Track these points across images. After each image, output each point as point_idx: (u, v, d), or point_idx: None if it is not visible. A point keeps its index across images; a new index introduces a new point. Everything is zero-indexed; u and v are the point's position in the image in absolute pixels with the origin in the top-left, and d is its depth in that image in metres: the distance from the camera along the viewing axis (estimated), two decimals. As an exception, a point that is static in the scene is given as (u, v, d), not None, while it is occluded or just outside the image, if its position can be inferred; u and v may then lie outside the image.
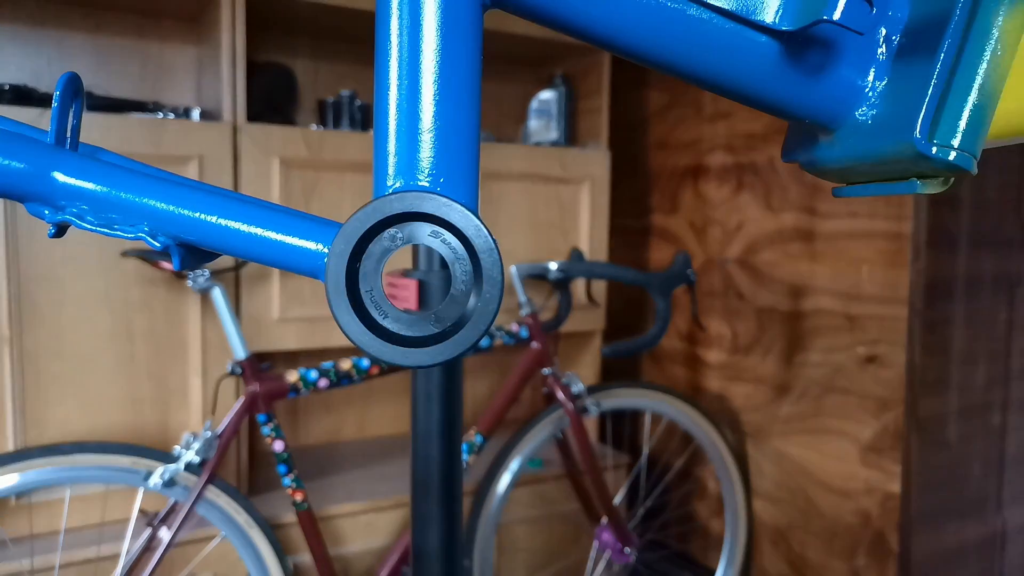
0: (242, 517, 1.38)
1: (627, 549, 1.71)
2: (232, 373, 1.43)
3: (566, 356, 2.15)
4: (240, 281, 1.58)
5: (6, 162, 0.31)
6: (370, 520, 1.64)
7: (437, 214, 0.30)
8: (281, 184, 1.60)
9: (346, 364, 1.45)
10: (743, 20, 0.33)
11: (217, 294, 1.42)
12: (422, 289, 0.77)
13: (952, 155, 0.31)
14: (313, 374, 1.42)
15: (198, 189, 0.32)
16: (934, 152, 0.31)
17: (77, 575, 1.39)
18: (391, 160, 0.32)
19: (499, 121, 2.25)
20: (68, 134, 0.33)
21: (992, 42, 0.30)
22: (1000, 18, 0.30)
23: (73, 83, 0.33)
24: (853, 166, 0.35)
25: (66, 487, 1.38)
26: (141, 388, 1.52)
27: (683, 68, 0.35)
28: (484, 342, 1.54)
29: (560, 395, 1.65)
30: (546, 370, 1.66)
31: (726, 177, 1.97)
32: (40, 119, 1.38)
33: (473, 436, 1.59)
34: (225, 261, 1.52)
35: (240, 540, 1.39)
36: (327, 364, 1.44)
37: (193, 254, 0.33)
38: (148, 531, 1.34)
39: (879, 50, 0.34)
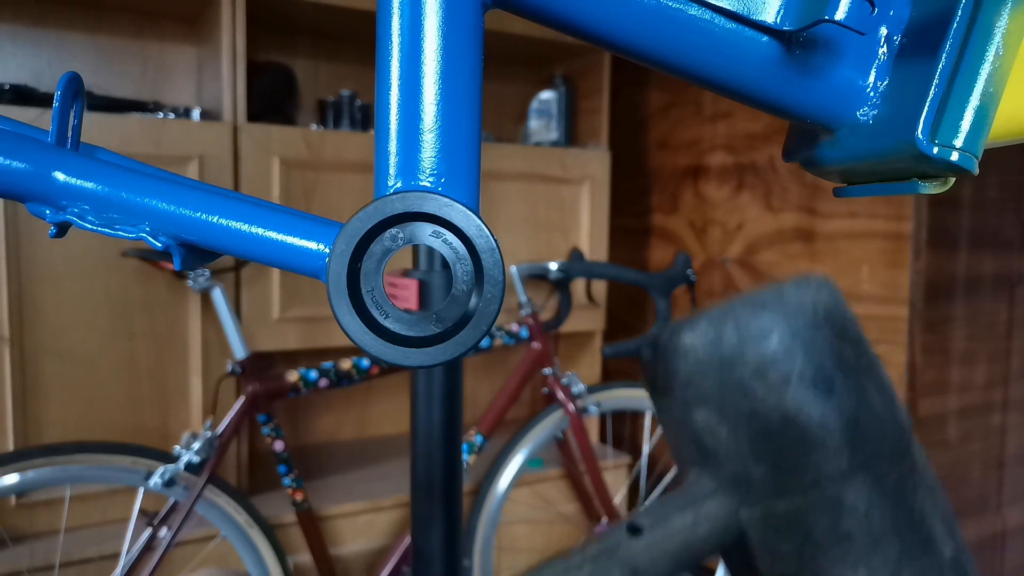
0: (242, 517, 1.38)
1: (627, 549, 1.71)
2: (232, 373, 1.43)
3: (566, 356, 2.15)
4: (240, 281, 1.58)
5: (7, 162, 0.31)
6: (370, 520, 1.64)
7: (439, 214, 0.30)
8: (281, 184, 1.60)
9: (346, 364, 1.45)
10: (744, 20, 0.33)
11: (217, 294, 1.42)
12: (423, 289, 0.77)
13: (954, 155, 0.31)
14: (313, 374, 1.42)
15: (199, 189, 0.32)
16: (936, 152, 0.31)
17: (77, 575, 1.39)
18: (392, 160, 0.31)
19: (499, 121, 2.25)
20: (69, 134, 0.33)
21: (994, 42, 0.30)
22: (1002, 18, 0.30)
23: (74, 83, 0.33)
24: (854, 166, 0.35)
25: (66, 487, 1.38)
26: (141, 388, 1.52)
27: (683, 68, 0.35)
28: (484, 342, 1.54)
29: (560, 395, 1.65)
30: (546, 370, 1.66)
31: (726, 177, 1.97)
32: (40, 119, 1.38)
33: (473, 436, 1.59)
34: (225, 261, 1.52)
35: (240, 540, 1.39)
36: (327, 364, 1.44)
37: (194, 254, 0.33)
38: (148, 531, 1.34)
39: (880, 50, 0.34)
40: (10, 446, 1.40)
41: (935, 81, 0.31)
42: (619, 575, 0.28)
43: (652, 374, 0.32)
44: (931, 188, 0.34)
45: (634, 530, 0.29)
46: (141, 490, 1.33)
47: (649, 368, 0.33)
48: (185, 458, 1.32)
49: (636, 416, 2.14)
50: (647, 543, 0.28)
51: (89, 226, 0.32)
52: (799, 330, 0.29)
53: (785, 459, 0.28)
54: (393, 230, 0.30)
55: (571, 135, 2.10)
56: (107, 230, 0.32)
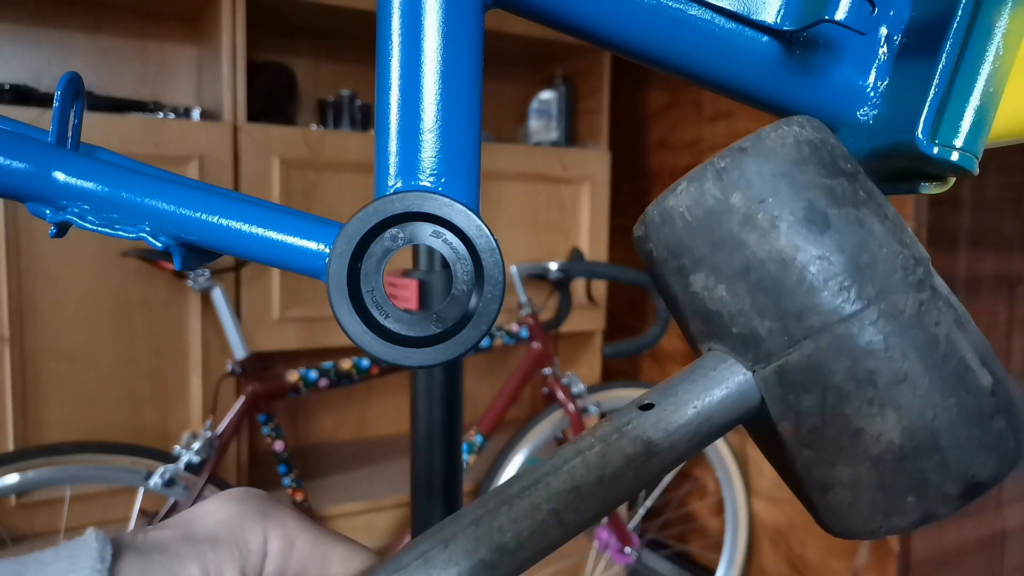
0: (242, 517, 1.38)
1: (627, 549, 1.71)
2: (232, 373, 1.43)
3: (566, 356, 2.15)
4: (240, 281, 1.58)
5: (7, 162, 0.31)
6: (370, 520, 1.64)
7: (439, 214, 0.30)
8: (281, 184, 1.60)
9: (346, 364, 1.45)
10: (744, 20, 0.33)
11: (217, 294, 1.42)
12: (423, 289, 0.77)
13: (954, 155, 0.31)
14: (313, 374, 1.42)
15: (199, 189, 0.32)
16: (936, 152, 0.31)
17: (77, 575, 1.39)
18: (392, 160, 0.31)
19: (499, 121, 2.25)
20: (69, 134, 0.33)
21: (994, 42, 0.30)
22: (1002, 18, 0.30)
23: (74, 83, 0.33)
24: (854, 166, 0.35)
25: (66, 487, 1.38)
26: (141, 388, 1.52)
27: (684, 68, 0.35)
28: (484, 342, 1.54)
29: (560, 395, 1.65)
30: (546, 370, 1.66)
31: (726, 177, 1.96)
32: (41, 119, 1.38)
33: (473, 436, 1.59)
34: (225, 261, 1.52)
35: (240, 540, 1.39)
36: (327, 364, 1.44)
37: (194, 254, 0.33)
38: (148, 531, 1.34)
39: (880, 50, 0.34)
40: (10, 446, 1.40)
41: (935, 81, 0.31)
42: (632, 450, 0.27)
43: (646, 252, 0.31)
44: (932, 188, 0.34)
45: (644, 407, 0.27)
46: (141, 490, 1.33)
47: (642, 247, 0.31)
48: (185, 458, 1.32)
49: (636, 416, 2.14)
50: (658, 416, 0.27)
51: (89, 226, 0.32)
52: (783, 168, 0.27)
53: (789, 307, 0.26)
54: (393, 230, 0.30)
55: (571, 135, 2.10)
56: (107, 230, 0.32)
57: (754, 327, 0.27)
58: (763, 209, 0.27)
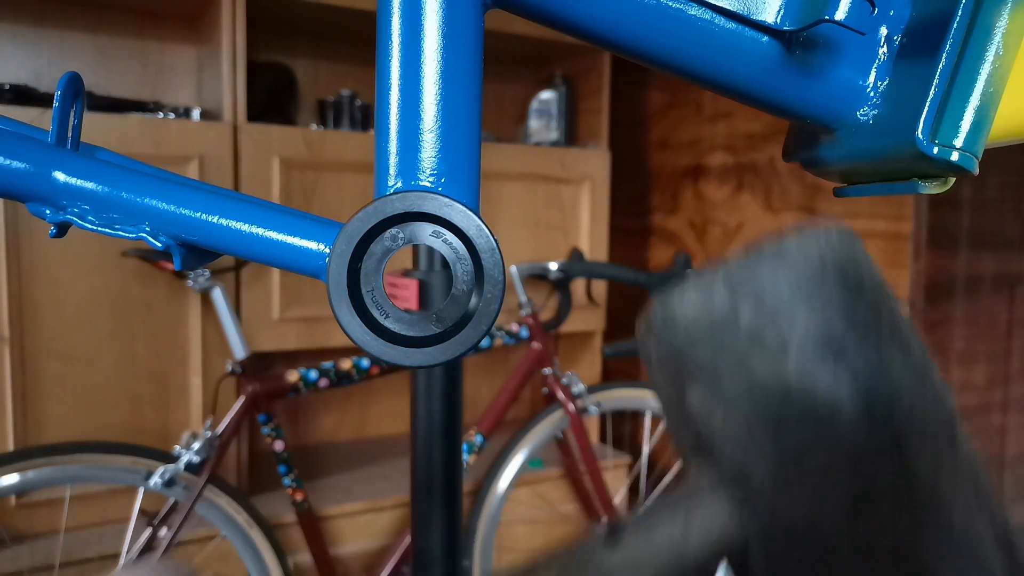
0: (242, 517, 1.38)
1: (627, 549, 1.71)
2: (232, 373, 1.43)
3: (566, 356, 2.15)
4: (240, 281, 1.58)
5: (7, 162, 0.31)
6: (370, 520, 1.64)
7: (439, 214, 0.30)
8: (281, 184, 1.60)
9: (346, 364, 1.45)
10: (744, 20, 0.33)
11: (217, 294, 1.42)
12: (423, 289, 0.77)
13: (954, 155, 0.31)
14: (313, 374, 1.42)
15: (199, 189, 0.32)
16: (936, 152, 0.31)
17: (77, 575, 1.39)
18: (392, 160, 0.31)
19: (499, 121, 2.25)
20: (69, 134, 0.33)
21: (994, 42, 0.30)
22: (1002, 18, 0.30)
23: (74, 83, 0.33)
24: (854, 166, 0.35)
25: (66, 487, 1.38)
26: (141, 388, 1.52)
27: (684, 68, 0.35)
28: (484, 342, 1.54)
29: (560, 395, 1.65)
30: (546, 370, 1.66)
31: (726, 177, 1.96)
32: (41, 119, 1.38)
33: (473, 436, 1.59)
34: (225, 261, 1.52)
35: (240, 540, 1.39)
36: (327, 364, 1.44)
37: (194, 254, 0.33)
38: (148, 531, 1.34)
39: (880, 50, 0.34)
40: (10, 446, 1.40)
41: (935, 81, 0.31)
42: None
43: (645, 351, 0.28)
44: (931, 188, 0.34)
45: (613, 539, 0.25)
46: (141, 490, 1.33)
47: (643, 347, 0.28)
48: (185, 458, 1.32)
49: (636, 416, 2.14)
50: (625, 556, 0.24)
51: (89, 226, 0.32)
52: (801, 284, 0.24)
53: (789, 443, 0.23)
54: (393, 230, 0.30)
55: (571, 135, 2.10)
56: (107, 230, 0.32)
57: (747, 462, 0.24)
58: (773, 326, 0.24)
